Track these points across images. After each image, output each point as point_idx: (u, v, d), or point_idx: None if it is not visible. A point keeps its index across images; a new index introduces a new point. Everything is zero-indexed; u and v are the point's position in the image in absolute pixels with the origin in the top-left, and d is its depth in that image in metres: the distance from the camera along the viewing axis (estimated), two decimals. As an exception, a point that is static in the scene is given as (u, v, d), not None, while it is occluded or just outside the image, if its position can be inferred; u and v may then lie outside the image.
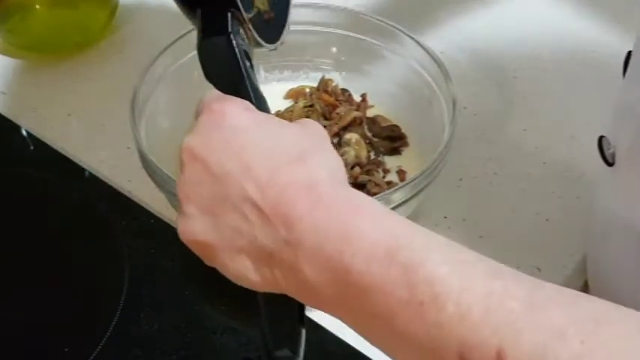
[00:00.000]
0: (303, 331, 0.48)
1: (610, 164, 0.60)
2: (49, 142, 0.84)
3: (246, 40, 0.57)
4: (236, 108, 0.48)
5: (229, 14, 0.55)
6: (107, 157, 0.82)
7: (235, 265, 0.46)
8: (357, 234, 0.41)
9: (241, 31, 0.56)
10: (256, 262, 0.45)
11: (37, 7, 0.93)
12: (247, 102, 0.50)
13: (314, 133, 0.49)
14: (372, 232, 0.41)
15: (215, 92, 0.51)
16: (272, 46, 0.62)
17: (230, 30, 0.55)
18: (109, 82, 0.90)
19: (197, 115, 0.50)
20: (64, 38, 0.94)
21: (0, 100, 0.89)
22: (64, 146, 0.84)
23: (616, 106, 0.61)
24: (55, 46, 0.94)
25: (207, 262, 0.48)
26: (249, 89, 0.53)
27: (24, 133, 0.86)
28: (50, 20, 0.95)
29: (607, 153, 0.60)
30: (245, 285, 0.47)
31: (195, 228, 0.46)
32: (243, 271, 0.46)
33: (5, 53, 0.95)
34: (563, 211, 0.76)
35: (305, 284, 0.43)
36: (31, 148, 0.85)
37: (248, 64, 0.55)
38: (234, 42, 0.54)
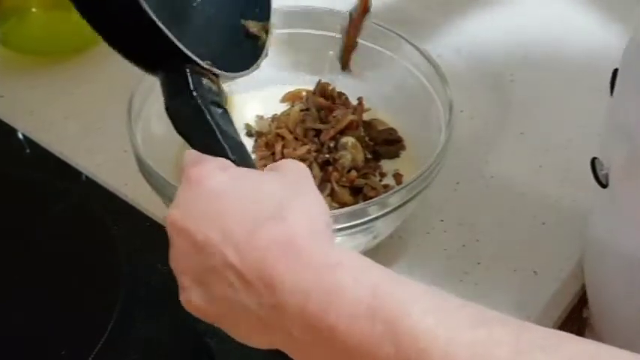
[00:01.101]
0: None
1: (604, 186, 0.60)
2: (45, 146, 0.84)
3: (214, 87, 0.56)
4: (211, 171, 0.48)
5: (187, 70, 0.54)
6: (104, 160, 0.82)
7: (237, 330, 0.47)
8: (338, 292, 0.41)
9: (205, 81, 0.55)
10: (252, 327, 0.45)
11: (34, 10, 0.93)
12: (222, 159, 0.50)
13: (293, 177, 0.48)
14: (352, 289, 0.40)
15: (192, 154, 0.51)
16: (247, 72, 0.61)
17: (192, 87, 0.54)
18: (105, 85, 0.90)
19: (180, 176, 0.50)
20: (60, 41, 0.94)
21: (-4, 103, 0.89)
22: (61, 149, 0.84)
23: (606, 127, 0.61)
24: (51, 49, 0.94)
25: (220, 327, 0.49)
26: (223, 143, 0.52)
27: (20, 136, 0.86)
28: (47, 23, 0.95)
29: (600, 174, 0.60)
30: (259, 347, 0.47)
31: (192, 299, 0.47)
32: (245, 335, 0.46)
33: (2, 56, 0.95)
34: (559, 214, 0.76)
35: (297, 345, 0.43)
36: (28, 151, 0.85)
37: (220, 111, 0.54)
38: (198, 100, 0.53)
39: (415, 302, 0.39)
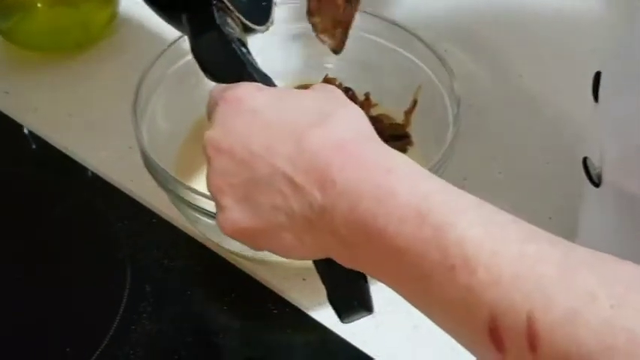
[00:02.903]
0: (368, 285, 0.48)
1: (597, 185, 0.59)
2: (50, 142, 0.84)
3: (237, 29, 0.57)
4: (249, 90, 0.48)
5: (213, 8, 0.56)
6: (109, 156, 0.82)
7: (281, 242, 0.46)
8: (389, 195, 0.41)
9: (229, 20, 0.57)
10: (299, 235, 0.45)
11: (39, 6, 0.93)
12: (256, 83, 0.50)
13: (330, 93, 0.49)
14: (403, 194, 0.40)
15: (221, 85, 0.51)
16: (263, 28, 0.62)
17: (218, 22, 0.55)
18: (110, 82, 0.90)
19: (209, 110, 0.50)
20: (65, 38, 0.94)
21: (2, 99, 0.89)
22: (66, 145, 0.83)
23: (596, 126, 0.60)
24: (56, 45, 0.94)
25: (255, 248, 0.49)
26: (253, 72, 0.53)
27: (26, 132, 0.86)
28: (51, 20, 0.94)
29: (593, 174, 0.60)
30: (296, 258, 0.47)
31: (234, 218, 0.47)
32: (290, 246, 0.46)
33: (6, 52, 0.95)
34: (566, 209, 0.76)
35: (345, 247, 0.43)
36: (33, 147, 0.85)
37: (244, 49, 0.55)
38: (224, 31, 0.55)
39: (465, 212, 0.39)
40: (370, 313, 0.49)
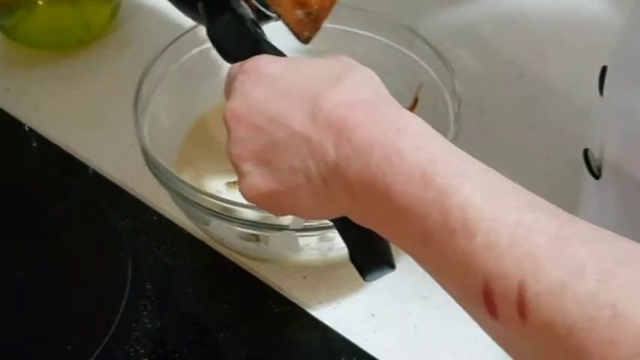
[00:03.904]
0: (388, 242, 0.49)
1: (597, 177, 0.59)
2: (51, 139, 0.84)
3: (249, 10, 0.59)
4: (267, 59, 0.50)
5: None
6: (110, 153, 0.82)
7: (301, 203, 0.47)
8: (397, 155, 0.41)
9: (242, 3, 0.59)
10: (317, 194, 0.46)
11: (40, 3, 0.93)
12: (273, 55, 0.52)
13: (344, 59, 0.50)
14: (410, 154, 0.41)
15: (238, 63, 0.52)
16: (276, 15, 0.64)
17: (232, 4, 0.58)
18: (111, 79, 0.90)
19: (227, 88, 0.52)
20: (66, 35, 0.94)
21: (3, 96, 0.89)
22: (67, 143, 0.83)
23: (598, 118, 0.60)
24: (57, 42, 0.94)
25: (278, 213, 0.50)
26: (268, 50, 0.55)
27: (27, 129, 0.86)
28: (53, 17, 0.94)
29: (593, 165, 0.60)
30: (319, 218, 0.50)
31: (254, 182, 0.48)
32: (309, 206, 0.47)
33: (8, 50, 0.95)
34: (567, 207, 0.76)
35: (358, 205, 0.44)
36: (34, 145, 0.85)
37: (259, 30, 0.57)
38: (238, 12, 0.57)
39: (468, 178, 0.40)
40: (392, 270, 0.50)
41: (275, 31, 0.63)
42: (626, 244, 0.36)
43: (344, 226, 0.48)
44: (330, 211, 0.48)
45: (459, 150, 0.43)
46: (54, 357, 0.66)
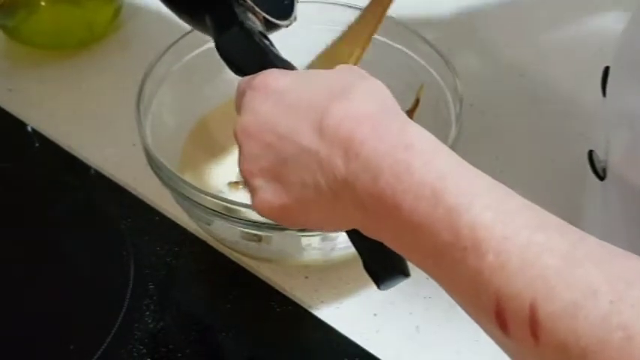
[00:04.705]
0: None
1: (602, 178, 0.59)
2: (54, 139, 0.84)
3: (258, 23, 0.59)
4: (275, 75, 0.50)
5: (233, 5, 0.58)
6: (112, 154, 0.82)
7: (313, 217, 0.48)
8: (406, 172, 0.41)
9: (250, 16, 0.59)
10: (328, 208, 0.46)
11: (43, 3, 0.93)
12: (281, 69, 0.52)
13: (352, 69, 0.50)
14: (419, 171, 0.41)
15: (247, 77, 0.52)
16: (286, 22, 0.64)
17: (240, 18, 0.58)
18: (114, 79, 0.90)
19: (237, 102, 0.52)
20: (69, 35, 0.94)
21: (5, 97, 0.89)
22: (70, 143, 0.84)
23: (603, 118, 0.60)
24: (60, 43, 0.94)
25: (290, 226, 0.52)
26: (276, 62, 0.55)
27: (29, 129, 0.86)
28: (55, 17, 0.94)
29: (598, 167, 0.60)
30: (329, 231, 0.52)
31: (266, 197, 0.48)
32: (321, 220, 0.48)
33: (10, 50, 0.95)
34: (570, 207, 0.76)
35: (368, 219, 0.44)
36: (37, 145, 0.85)
37: (266, 41, 0.58)
38: (246, 26, 0.57)
39: (478, 196, 0.40)
40: (407, 277, 0.50)
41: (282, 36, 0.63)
42: (637, 264, 0.36)
43: (357, 236, 0.48)
44: (342, 224, 0.48)
45: (467, 164, 0.43)
46: (56, 357, 0.67)
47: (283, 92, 0.48)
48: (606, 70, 0.59)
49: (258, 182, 0.49)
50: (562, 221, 0.39)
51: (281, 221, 0.50)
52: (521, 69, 0.91)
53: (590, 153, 0.60)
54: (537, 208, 0.40)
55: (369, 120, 0.44)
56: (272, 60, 0.55)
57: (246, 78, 0.52)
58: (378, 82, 0.48)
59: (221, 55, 0.59)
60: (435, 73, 0.75)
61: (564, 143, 0.83)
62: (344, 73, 0.49)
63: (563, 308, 0.35)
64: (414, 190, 0.41)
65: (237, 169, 0.75)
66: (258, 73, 0.51)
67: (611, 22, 0.96)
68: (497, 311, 0.37)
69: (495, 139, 0.84)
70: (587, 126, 0.84)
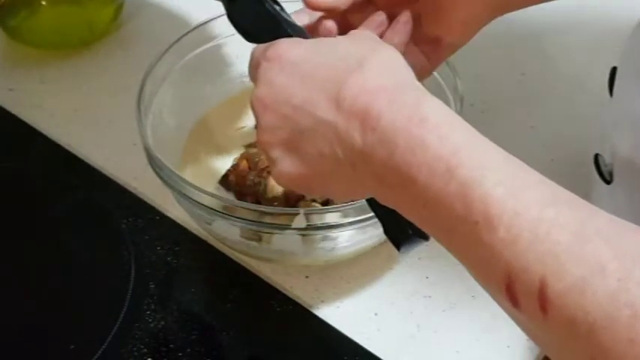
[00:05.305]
0: None
1: (608, 182, 0.59)
2: (54, 139, 0.84)
3: None
4: (288, 45, 0.50)
5: None
6: (113, 153, 0.82)
7: (332, 186, 0.49)
8: (421, 146, 0.42)
9: None
10: (346, 178, 0.47)
11: (43, 3, 0.93)
12: (294, 38, 0.53)
13: (365, 38, 0.50)
14: (434, 146, 0.41)
15: (261, 45, 0.52)
16: None
17: None
18: (114, 79, 0.90)
19: (251, 71, 0.52)
20: (69, 35, 0.94)
21: (6, 96, 0.89)
22: (70, 143, 0.84)
23: (609, 121, 0.60)
24: (60, 42, 0.94)
25: (310, 195, 0.53)
26: (287, 28, 0.55)
27: (30, 129, 0.86)
28: (56, 17, 0.95)
29: (604, 170, 0.59)
30: (348, 199, 0.52)
31: (285, 168, 0.49)
32: (340, 189, 0.49)
33: (11, 50, 0.95)
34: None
35: (385, 189, 0.44)
36: (37, 144, 0.85)
37: (278, 8, 0.58)
38: None
39: (491, 171, 0.40)
40: (426, 241, 0.51)
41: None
42: None
43: (376, 202, 0.48)
44: (359, 193, 0.49)
45: (482, 137, 0.43)
46: (57, 356, 0.67)
47: (298, 63, 0.48)
48: (613, 71, 0.59)
49: (277, 153, 0.49)
50: (573, 195, 0.40)
51: (300, 190, 0.51)
52: (521, 68, 0.91)
53: (596, 157, 0.60)
54: (550, 182, 0.41)
55: (385, 93, 0.44)
56: (284, 27, 0.56)
57: (260, 48, 0.52)
58: (392, 51, 0.48)
59: (233, 23, 0.59)
60: (435, 73, 0.75)
61: (564, 143, 0.83)
62: (358, 41, 0.49)
63: (572, 284, 0.35)
64: (429, 164, 0.41)
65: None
66: (271, 43, 0.51)
67: (611, 22, 0.96)
68: (507, 285, 0.38)
69: (496, 138, 0.83)
70: (587, 126, 0.84)
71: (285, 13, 0.58)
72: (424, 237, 0.50)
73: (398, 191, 0.43)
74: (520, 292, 0.37)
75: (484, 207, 0.39)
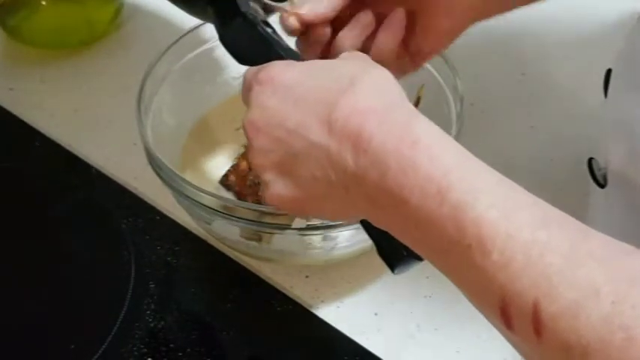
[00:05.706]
0: None
1: (602, 186, 0.59)
2: (55, 139, 0.84)
3: (260, 11, 0.60)
4: (281, 68, 0.50)
5: None
6: (113, 153, 0.82)
7: (325, 209, 0.49)
8: (412, 168, 0.42)
9: (252, 4, 0.59)
10: (339, 200, 0.47)
11: (43, 3, 0.93)
12: (286, 60, 0.53)
13: (357, 59, 0.51)
14: (425, 167, 0.41)
15: (253, 67, 0.52)
16: (286, 4, 0.63)
17: (242, 9, 0.58)
18: (114, 79, 0.90)
19: (244, 93, 0.52)
20: (69, 35, 0.94)
21: (6, 96, 0.89)
22: (70, 142, 0.84)
23: (603, 126, 0.60)
24: (61, 42, 0.94)
25: (303, 217, 0.53)
26: (280, 51, 0.55)
27: (30, 129, 0.86)
28: (56, 17, 0.95)
29: (598, 174, 0.59)
30: (341, 221, 0.53)
31: (278, 191, 0.49)
32: (333, 211, 0.49)
33: (11, 50, 0.95)
34: (570, 208, 0.76)
35: (377, 211, 0.44)
36: (37, 144, 0.85)
37: (270, 30, 0.58)
38: (249, 17, 0.57)
39: (483, 193, 0.40)
40: (420, 261, 0.50)
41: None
42: (639, 261, 0.37)
43: (369, 224, 0.49)
44: (353, 215, 0.48)
45: (473, 158, 0.43)
46: (57, 356, 0.67)
47: (290, 86, 0.48)
48: (608, 73, 0.59)
49: (270, 176, 0.49)
50: (566, 216, 0.40)
51: (293, 212, 0.51)
52: (522, 68, 0.91)
53: (590, 161, 0.60)
54: (542, 202, 0.40)
55: (376, 114, 0.44)
56: (277, 50, 0.56)
57: (252, 70, 0.52)
58: (384, 71, 0.48)
59: (225, 47, 0.59)
60: (435, 73, 0.75)
61: (564, 143, 0.83)
62: (350, 62, 0.49)
63: (566, 307, 0.35)
64: (420, 186, 0.41)
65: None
66: (263, 65, 0.51)
67: (611, 22, 0.96)
68: (501, 308, 0.38)
69: (496, 138, 0.83)
70: (587, 126, 0.84)
71: (278, 35, 0.58)
72: (418, 258, 0.50)
73: (390, 212, 0.43)
74: (514, 315, 0.37)
75: (477, 230, 0.39)
